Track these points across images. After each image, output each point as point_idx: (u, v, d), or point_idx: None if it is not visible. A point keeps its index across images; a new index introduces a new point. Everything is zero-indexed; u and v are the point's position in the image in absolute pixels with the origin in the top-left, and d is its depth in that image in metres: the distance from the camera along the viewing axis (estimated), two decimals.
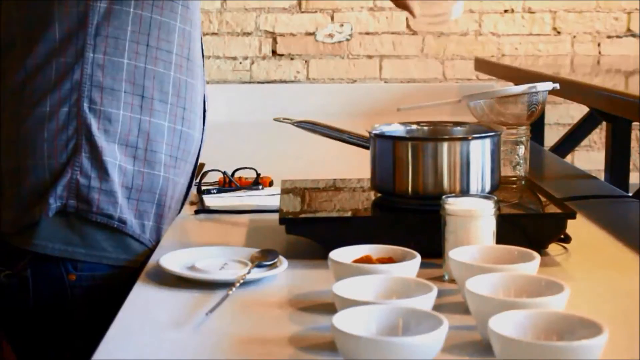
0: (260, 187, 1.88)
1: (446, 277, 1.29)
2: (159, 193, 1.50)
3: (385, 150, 1.47)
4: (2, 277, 1.45)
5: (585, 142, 3.22)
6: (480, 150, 1.44)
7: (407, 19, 3.28)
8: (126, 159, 1.45)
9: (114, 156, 1.44)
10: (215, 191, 1.84)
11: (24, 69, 1.44)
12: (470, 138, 1.45)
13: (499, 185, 1.50)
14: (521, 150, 1.66)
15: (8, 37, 1.47)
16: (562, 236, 1.43)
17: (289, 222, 1.44)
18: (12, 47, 1.47)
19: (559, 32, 3.32)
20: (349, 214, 1.54)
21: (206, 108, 1.60)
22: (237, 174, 1.92)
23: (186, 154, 1.54)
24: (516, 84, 1.82)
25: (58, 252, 1.43)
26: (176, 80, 1.50)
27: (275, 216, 1.47)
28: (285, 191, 1.61)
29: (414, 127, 1.58)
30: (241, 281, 1.24)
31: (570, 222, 1.40)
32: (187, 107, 1.53)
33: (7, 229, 1.46)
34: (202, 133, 1.60)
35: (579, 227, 1.46)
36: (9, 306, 1.47)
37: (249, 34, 3.25)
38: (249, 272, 1.27)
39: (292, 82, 3.28)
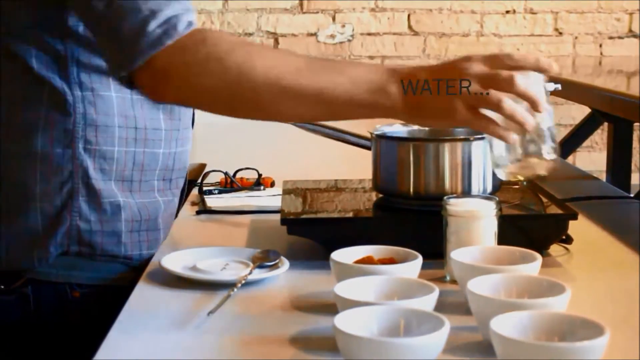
0: (262, 187, 1.88)
1: (448, 278, 1.29)
2: (158, 216, 1.47)
3: (387, 151, 1.47)
4: None
5: (586, 142, 3.22)
6: (481, 151, 1.44)
7: (408, 19, 3.28)
8: (124, 194, 1.41)
9: (113, 195, 1.40)
10: (216, 192, 1.84)
11: (7, 100, 1.37)
12: (472, 139, 1.45)
13: (500, 186, 1.50)
14: None
15: None
16: (564, 237, 1.43)
17: (291, 222, 1.44)
18: None
19: (560, 33, 3.32)
20: (350, 214, 1.54)
21: (194, 112, 1.58)
22: (238, 175, 1.92)
23: (179, 172, 1.52)
24: None
25: (62, 279, 1.40)
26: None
27: (277, 217, 1.47)
28: (286, 192, 1.61)
29: (416, 127, 1.57)
30: (243, 282, 1.24)
31: (571, 223, 1.40)
32: (181, 127, 1.48)
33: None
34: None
35: (580, 228, 1.46)
36: (3, 322, 1.42)
37: (250, 34, 3.25)
38: (250, 273, 1.27)
39: None
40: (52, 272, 1.39)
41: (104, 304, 1.29)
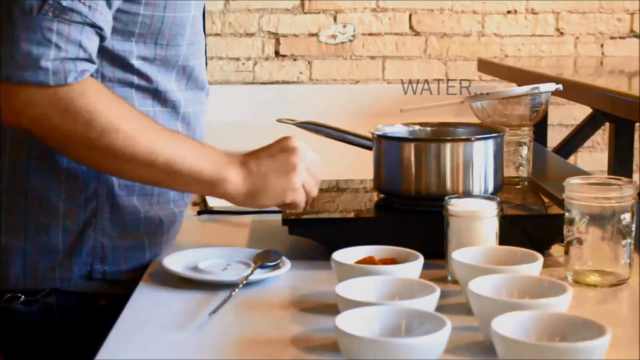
0: None
1: (449, 278, 1.29)
2: (174, 227, 1.47)
3: (388, 151, 1.47)
4: (19, 304, 1.37)
5: (588, 143, 3.22)
6: (483, 151, 1.44)
7: (410, 19, 3.28)
8: (144, 208, 1.40)
9: (135, 210, 1.39)
10: None
11: None
12: (473, 139, 1.45)
13: (502, 186, 1.50)
14: (524, 151, 1.66)
15: None
16: None
17: (292, 222, 1.44)
18: None
19: (562, 33, 3.31)
20: (351, 214, 1.54)
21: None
22: None
23: None
24: (519, 85, 1.82)
25: (87, 289, 1.38)
26: (186, 115, 1.43)
27: (278, 217, 1.47)
28: None
29: (417, 128, 1.58)
30: (244, 282, 1.24)
31: None
32: (196, 137, 1.46)
33: (17, 285, 1.37)
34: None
35: None
36: (23, 333, 1.39)
37: (251, 34, 3.25)
38: (251, 273, 1.27)
39: (295, 83, 3.28)
40: (78, 285, 1.37)
41: None
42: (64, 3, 1.21)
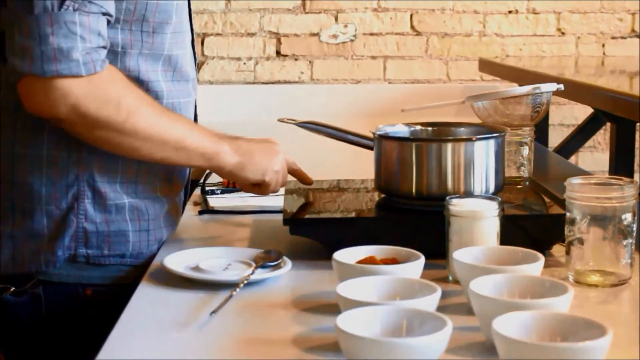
0: None
1: (450, 278, 1.29)
2: (163, 214, 1.48)
3: (390, 151, 1.47)
4: (8, 295, 1.40)
5: (589, 143, 3.22)
6: (484, 151, 1.44)
7: (411, 19, 3.28)
8: (129, 195, 1.42)
9: (119, 197, 1.41)
10: (219, 192, 1.84)
11: (13, 103, 1.38)
12: (474, 139, 1.45)
13: (503, 186, 1.50)
14: (525, 151, 1.66)
15: None
16: None
17: (293, 222, 1.44)
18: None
19: (563, 33, 3.31)
20: (352, 214, 1.54)
21: (197, 113, 1.59)
22: None
23: (182, 171, 1.52)
24: (520, 85, 1.82)
25: (73, 279, 1.40)
26: (169, 105, 1.45)
27: (279, 217, 1.47)
28: (289, 192, 1.61)
29: (418, 127, 1.57)
30: (245, 282, 1.24)
31: None
32: None
33: (7, 270, 1.40)
34: None
35: None
36: (14, 324, 1.42)
37: (253, 34, 3.25)
38: (252, 273, 1.27)
39: (296, 82, 3.28)
40: (63, 273, 1.40)
41: (115, 301, 1.29)
42: None
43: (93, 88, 1.28)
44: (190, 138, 1.39)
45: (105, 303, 1.38)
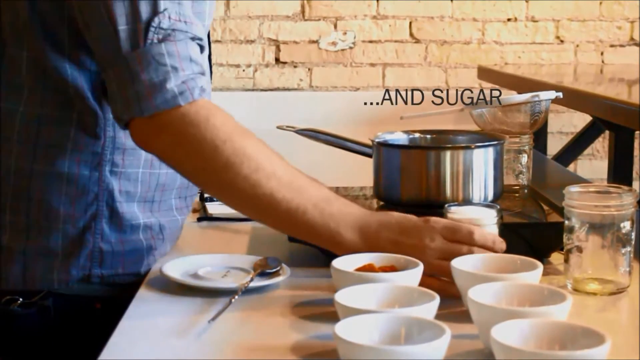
0: None
1: None
2: (175, 233, 1.48)
3: (388, 158, 1.47)
4: (16, 307, 1.37)
5: (588, 150, 3.22)
6: (483, 159, 1.44)
7: (410, 27, 3.28)
8: (145, 214, 1.41)
9: (135, 217, 1.39)
10: None
11: (37, 120, 1.36)
12: (473, 147, 1.45)
13: (501, 193, 1.50)
14: (524, 158, 1.66)
15: (16, 78, 1.37)
16: None
17: None
18: (20, 90, 1.37)
19: (562, 41, 3.32)
20: None
21: None
22: None
23: (194, 189, 1.51)
24: (519, 93, 1.82)
25: (84, 292, 1.38)
26: None
27: None
28: None
29: (417, 135, 1.58)
30: (243, 289, 1.24)
31: None
32: None
33: (16, 286, 1.37)
34: None
35: None
36: (21, 335, 1.39)
37: (252, 41, 3.26)
38: (251, 280, 1.27)
39: (295, 89, 3.29)
40: (74, 287, 1.38)
41: (124, 313, 1.28)
42: (164, 25, 1.24)
43: (192, 116, 1.23)
44: (305, 216, 1.27)
45: (115, 315, 1.37)
